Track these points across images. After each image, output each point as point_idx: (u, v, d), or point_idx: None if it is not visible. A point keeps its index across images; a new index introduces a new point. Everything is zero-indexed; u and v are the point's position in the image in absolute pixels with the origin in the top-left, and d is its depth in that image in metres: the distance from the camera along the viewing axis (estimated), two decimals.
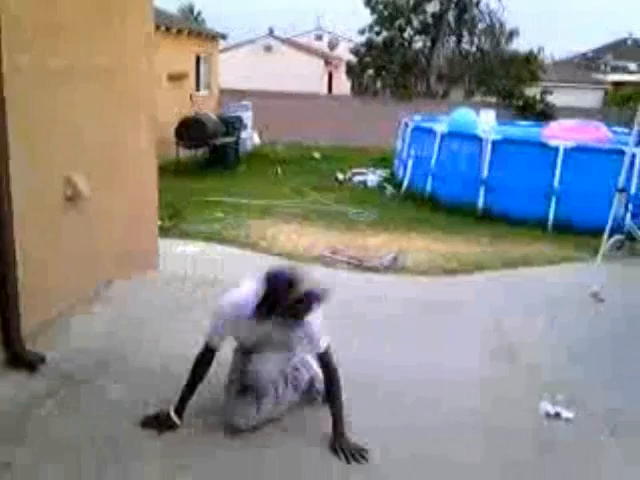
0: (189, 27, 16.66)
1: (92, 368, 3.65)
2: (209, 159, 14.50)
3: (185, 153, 14.15)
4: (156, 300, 4.72)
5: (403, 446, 3.09)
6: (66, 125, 4.04)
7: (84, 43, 4.20)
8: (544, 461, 3.06)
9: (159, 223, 5.95)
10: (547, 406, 3.47)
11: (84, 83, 4.22)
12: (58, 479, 2.72)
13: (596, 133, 11.89)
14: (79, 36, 4.14)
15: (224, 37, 18.91)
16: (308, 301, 2.87)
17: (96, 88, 4.39)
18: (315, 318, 3.03)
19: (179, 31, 15.03)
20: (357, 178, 13.18)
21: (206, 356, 3.10)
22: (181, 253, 6.34)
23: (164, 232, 6.50)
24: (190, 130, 13.55)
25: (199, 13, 39.61)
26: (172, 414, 3.07)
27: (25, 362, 3.58)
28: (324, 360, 3.11)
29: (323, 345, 3.07)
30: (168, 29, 14.20)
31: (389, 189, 12.07)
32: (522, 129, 14.46)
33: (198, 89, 16.71)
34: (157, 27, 11.43)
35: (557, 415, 3.41)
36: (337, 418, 3.08)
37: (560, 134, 11.37)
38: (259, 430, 3.11)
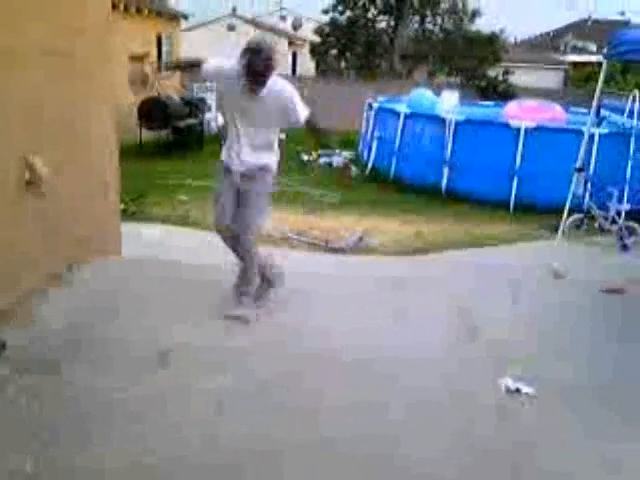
0: (148, 6, 16.29)
1: (55, 353, 3.59)
2: (173, 141, 14.29)
3: (148, 135, 13.92)
4: (119, 284, 4.66)
5: (360, 422, 3.11)
6: (23, 106, 3.93)
7: (42, 22, 4.08)
8: (503, 437, 3.11)
9: (122, 207, 5.87)
10: (508, 382, 3.53)
11: (42, 64, 4.11)
12: (21, 467, 2.68)
13: (553, 113, 12.10)
14: (37, 15, 4.01)
15: (186, 17, 18.60)
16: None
17: (55, 69, 4.27)
18: (294, 91, 3.83)
19: (138, 10, 14.70)
20: (322, 159, 13.17)
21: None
22: (144, 237, 6.27)
23: (127, 216, 6.42)
24: (152, 111, 13.32)
25: None
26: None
27: None
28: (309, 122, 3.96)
29: (304, 115, 3.87)
30: (127, 8, 13.87)
31: (354, 170, 12.07)
32: (484, 109, 14.60)
33: (160, 70, 16.39)
34: (115, 6, 11.20)
35: (517, 391, 3.46)
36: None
37: (520, 113, 11.51)
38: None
